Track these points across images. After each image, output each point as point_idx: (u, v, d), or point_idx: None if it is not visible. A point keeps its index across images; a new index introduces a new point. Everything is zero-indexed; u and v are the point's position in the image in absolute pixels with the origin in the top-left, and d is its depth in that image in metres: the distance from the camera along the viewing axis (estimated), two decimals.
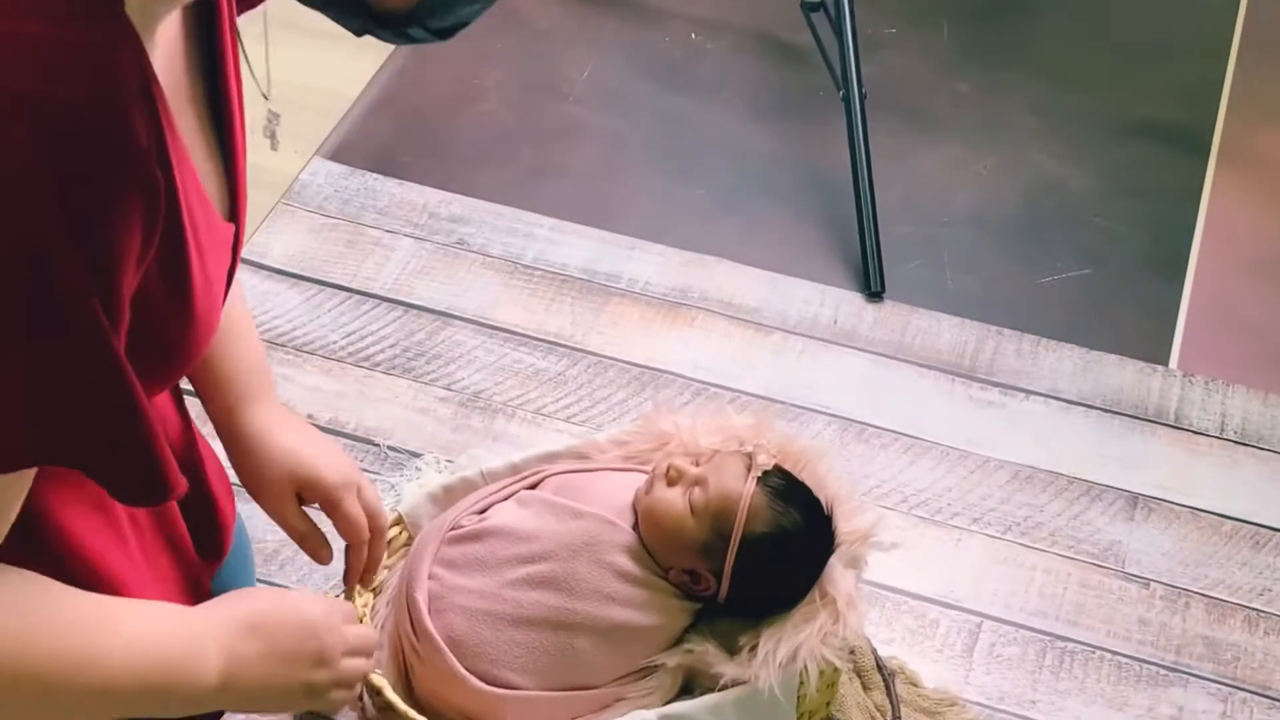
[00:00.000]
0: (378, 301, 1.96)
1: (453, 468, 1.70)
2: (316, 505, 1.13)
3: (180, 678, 0.87)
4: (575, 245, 2.04)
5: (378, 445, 1.79)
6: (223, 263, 0.84)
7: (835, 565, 1.33)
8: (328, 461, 1.12)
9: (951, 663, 1.61)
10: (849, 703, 1.49)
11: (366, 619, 1.35)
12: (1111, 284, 2.03)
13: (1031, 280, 2.04)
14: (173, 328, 0.79)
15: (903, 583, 1.67)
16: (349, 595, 1.23)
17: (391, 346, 1.91)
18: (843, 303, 2.00)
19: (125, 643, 0.84)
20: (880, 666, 1.55)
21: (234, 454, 1.10)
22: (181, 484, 0.77)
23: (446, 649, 1.29)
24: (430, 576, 1.33)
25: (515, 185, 2.13)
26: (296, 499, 1.12)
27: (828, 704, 1.44)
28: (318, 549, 1.15)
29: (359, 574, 1.20)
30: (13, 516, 0.77)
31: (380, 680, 1.27)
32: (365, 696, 1.33)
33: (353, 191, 2.10)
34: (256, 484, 1.11)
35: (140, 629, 0.86)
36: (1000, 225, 2.12)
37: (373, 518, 1.17)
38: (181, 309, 0.79)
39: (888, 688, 1.54)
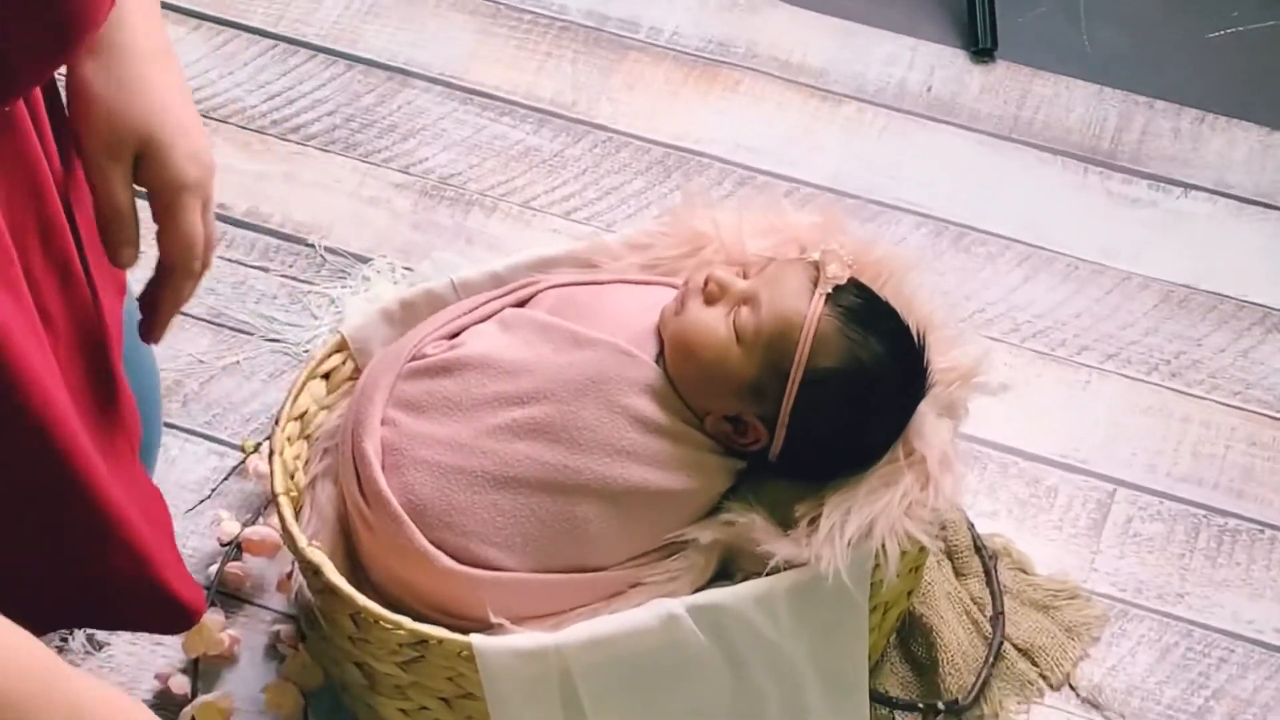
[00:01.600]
0: (311, 53, 1.96)
1: (413, 277, 1.74)
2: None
3: None
4: None
5: (312, 246, 1.80)
6: None
7: (926, 413, 1.34)
8: (189, 146, 1.12)
9: (1074, 543, 1.62)
10: (937, 592, 1.52)
11: (299, 473, 1.36)
12: None
13: (1197, 35, 2.04)
14: None
15: (1013, 438, 1.69)
16: (153, 334, 1.20)
17: (330, 114, 1.91)
18: (940, 63, 1.99)
19: None
20: (980, 547, 1.57)
21: (74, 106, 1.09)
22: None
23: (406, 517, 1.30)
24: (384, 421, 1.35)
25: None
26: (132, 164, 1.11)
27: (909, 594, 1.48)
28: (124, 242, 1.12)
29: (174, 311, 1.17)
30: None
31: (319, 556, 1.29)
32: (299, 577, 1.36)
33: None
34: (87, 129, 1.09)
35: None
36: None
37: (208, 249, 1.16)
38: None
39: (988, 574, 1.55)
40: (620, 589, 1.32)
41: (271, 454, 1.35)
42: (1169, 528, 1.64)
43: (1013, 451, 1.68)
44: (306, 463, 1.38)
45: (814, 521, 1.31)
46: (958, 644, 1.50)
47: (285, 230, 1.81)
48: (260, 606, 1.53)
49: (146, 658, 1.49)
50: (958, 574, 1.56)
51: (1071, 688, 1.52)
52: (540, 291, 1.43)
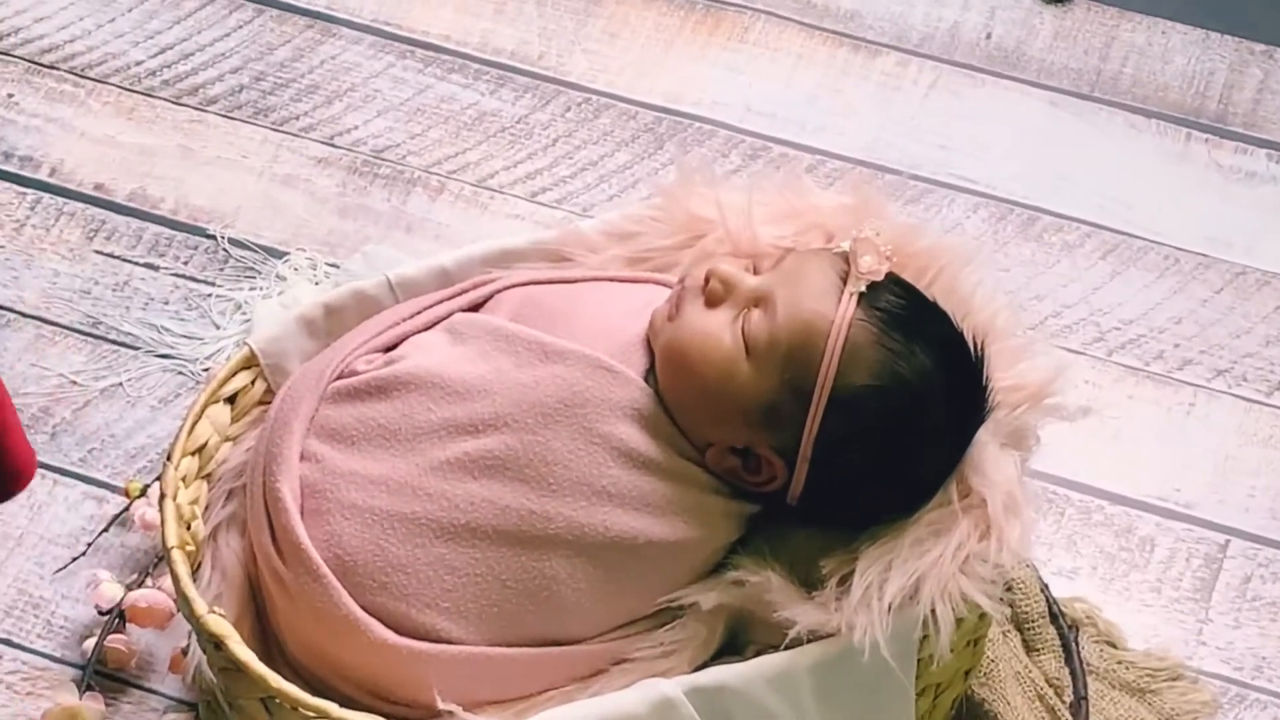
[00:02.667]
0: None
1: (339, 276, 1.74)
2: None
3: None
4: None
5: (213, 237, 1.81)
6: None
7: (986, 444, 1.34)
8: None
9: (1176, 609, 1.62)
10: (1003, 672, 1.52)
11: (197, 522, 1.36)
12: None
13: None
14: None
15: (1097, 476, 1.69)
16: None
17: (235, 72, 1.93)
18: (1002, 3, 2.01)
19: None
20: (1056, 615, 1.57)
21: None
22: None
23: (331, 576, 1.30)
24: (304, 456, 1.35)
25: None
26: None
27: (967, 674, 1.47)
28: None
29: None
30: None
31: (222, 626, 1.29)
32: (198, 652, 1.36)
33: None
34: None
35: None
36: None
37: None
38: None
39: (1067, 649, 1.56)
40: (602, 666, 1.32)
41: (163, 498, 1.34)
42: None
43: (1097, 493, 1.68)
44: (207, 509, 1.38)
45: (845, 581, 1.30)
46: None
47: (179, 218, 1.82)
48: (149, 691, 1.53)
49: None
50: (1029, 649, 1.56)
51: None
52: (499, 292, 1.43)
